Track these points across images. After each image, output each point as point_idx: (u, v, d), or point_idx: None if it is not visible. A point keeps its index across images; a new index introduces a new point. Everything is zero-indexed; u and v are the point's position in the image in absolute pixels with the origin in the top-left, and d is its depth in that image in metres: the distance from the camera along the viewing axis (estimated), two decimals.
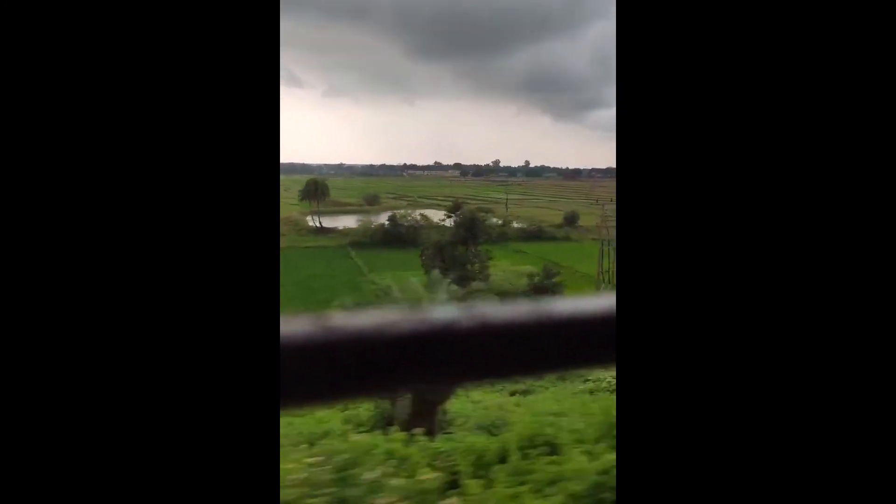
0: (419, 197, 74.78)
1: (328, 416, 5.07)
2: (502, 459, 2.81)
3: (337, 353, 0.49)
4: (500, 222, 45.74)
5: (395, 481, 2.30)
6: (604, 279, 25.82)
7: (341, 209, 58.56)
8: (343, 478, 2.23)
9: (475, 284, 17.56)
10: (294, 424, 4.12)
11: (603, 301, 0.60)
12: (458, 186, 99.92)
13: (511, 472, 2.61)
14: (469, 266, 20.46)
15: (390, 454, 2.68)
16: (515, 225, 48.60)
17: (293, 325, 0.49)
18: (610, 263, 25.80)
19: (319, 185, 51.89)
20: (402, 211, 45.74)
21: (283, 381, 0.48)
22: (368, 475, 2.27)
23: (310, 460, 2.31)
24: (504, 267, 25.14)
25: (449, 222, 23.47)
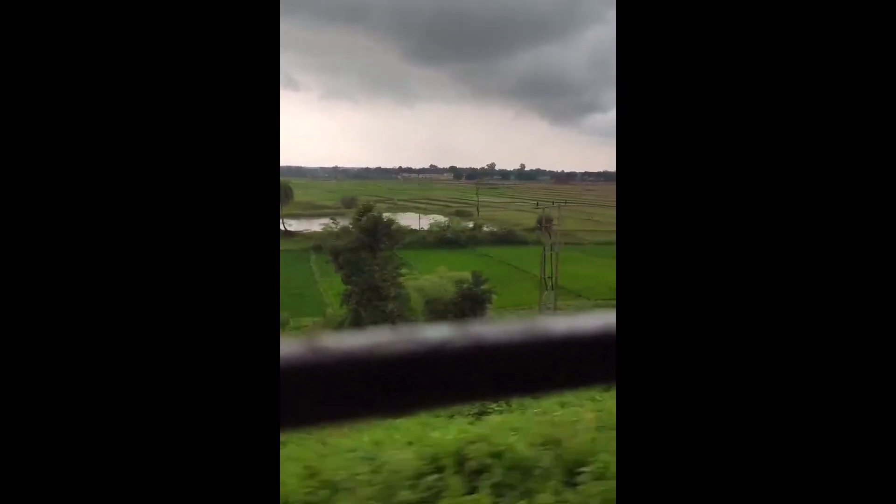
0: (401, 200, 74.58)
1: None
2: None
3: (327, 375, 0.49)
4: (470, 226, 45.98)
5: None
6: (546, 285, 25.42)
7: (317, 212, 58.41)
8: None
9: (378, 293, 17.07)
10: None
11: (598, 320, 0.60)
12: (448, 189, 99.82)
13: None
14: (372, 274, 20.01)
15: None
16: (486, 228, 48.55)
17: (284, 347, 0.49)
18: (552, 270, 25.43)
19: (283, 189, 51.88)
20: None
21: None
22: None
23: None
24: (442, 273, 24.85)
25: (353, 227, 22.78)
